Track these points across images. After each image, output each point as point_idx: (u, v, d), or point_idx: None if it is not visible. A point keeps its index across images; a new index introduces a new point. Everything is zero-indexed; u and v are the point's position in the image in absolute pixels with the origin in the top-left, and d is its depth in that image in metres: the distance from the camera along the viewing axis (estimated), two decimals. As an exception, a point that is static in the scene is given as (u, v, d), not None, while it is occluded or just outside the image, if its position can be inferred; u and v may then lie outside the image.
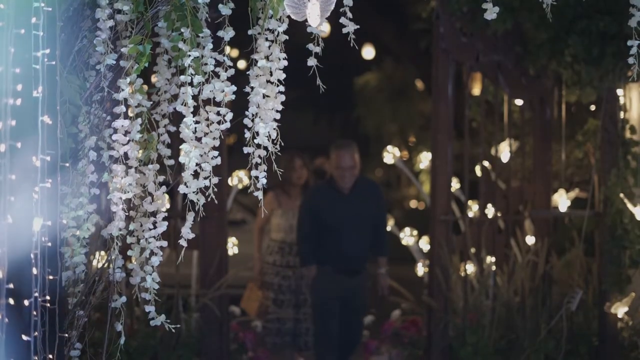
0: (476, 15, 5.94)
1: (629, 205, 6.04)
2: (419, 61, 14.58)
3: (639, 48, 2.96)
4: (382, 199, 6.30)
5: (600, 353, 6.17)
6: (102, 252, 3.44)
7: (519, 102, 7.13)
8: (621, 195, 6.03)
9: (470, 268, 6.44)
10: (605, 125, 6.18)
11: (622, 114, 6.21)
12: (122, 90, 2.98)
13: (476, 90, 8.54)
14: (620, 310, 6.11)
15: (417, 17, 12.45)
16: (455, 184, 6.89)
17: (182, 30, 2.96)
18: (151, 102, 3.12)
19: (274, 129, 3.05)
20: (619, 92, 6.19)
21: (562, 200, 7.08)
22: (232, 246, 6.68)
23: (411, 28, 13.45)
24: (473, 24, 6.05)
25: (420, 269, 7.17)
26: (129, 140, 3.01)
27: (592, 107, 6.85)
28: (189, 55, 2.95)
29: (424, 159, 7.20)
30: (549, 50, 6.17)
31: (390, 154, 6.80)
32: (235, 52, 6.61)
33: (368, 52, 16.13)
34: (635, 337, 6.32)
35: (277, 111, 3.05)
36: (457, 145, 7.29)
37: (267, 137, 3.03)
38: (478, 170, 6.88)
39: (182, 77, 2.97)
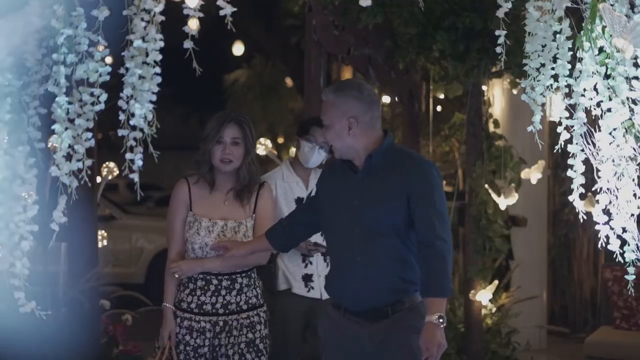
0: (348, 9, 6.01)
1: (493, 196, 6.27)
2: (288, 58, 14.68)
3: (506, 38, 3.06)
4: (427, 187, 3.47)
5: (466, 338, 6.37)
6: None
7: (385, 98, 7.29)
8: (486, 186, 6.26)
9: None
10: (471, 119, 6.39)
11: (486, 109, 6.45)
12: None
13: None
14: (484, 297, 6.34)
15: (288, 14, 12.56)
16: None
17: (55, 7, 2.89)
18: (21, 83, 3.03)
19: (150, 110, 3.01)
20: (484, 87, 6.42)
21: (429, 192, 7.27)
22: (102, 239, 6.52)
23: (282, 24, 13.54)
24: (345, 17, 6.12)
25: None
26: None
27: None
28: (62, 34, 2.88)
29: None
30: (417, 46, 6.31)
31: (263, 146, 6.80)
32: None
33: (238, 49, 16.09)
34: (498, 323, 6.59)
35: (153, 93, 3.01)
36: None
37: (143, 118, 2.98)
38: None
39: (54, 56, 2.89)
